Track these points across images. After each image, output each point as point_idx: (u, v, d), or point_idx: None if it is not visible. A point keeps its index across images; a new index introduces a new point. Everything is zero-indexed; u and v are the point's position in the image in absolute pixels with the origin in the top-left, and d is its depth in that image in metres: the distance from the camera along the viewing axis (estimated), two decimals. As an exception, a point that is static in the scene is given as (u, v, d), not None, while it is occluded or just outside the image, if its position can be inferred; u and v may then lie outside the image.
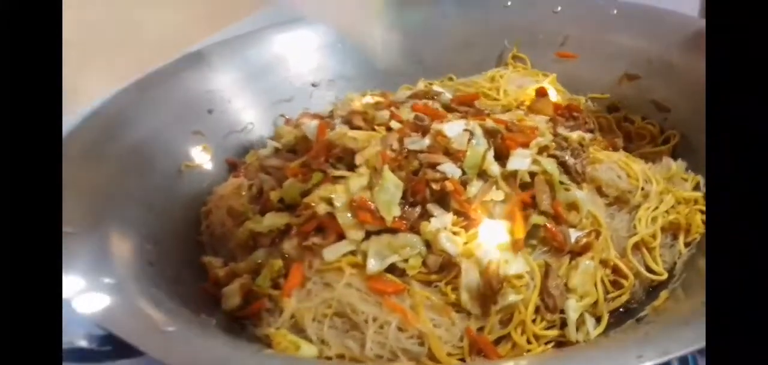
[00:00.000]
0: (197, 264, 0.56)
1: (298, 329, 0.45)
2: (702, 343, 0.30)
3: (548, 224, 0.47)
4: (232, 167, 0.68)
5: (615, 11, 0.75)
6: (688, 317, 0.38)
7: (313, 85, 0.79)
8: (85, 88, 0.68)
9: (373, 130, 0.59)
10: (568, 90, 0.72)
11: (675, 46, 0.67)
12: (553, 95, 0.69)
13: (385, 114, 0.61)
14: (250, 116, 0.74)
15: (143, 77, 0.69)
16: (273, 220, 0.52)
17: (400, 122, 0.58)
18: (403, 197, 0.49)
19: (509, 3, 0.80)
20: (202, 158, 0.67)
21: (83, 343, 0.41)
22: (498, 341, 0.44)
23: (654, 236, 0.50)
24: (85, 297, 0.38)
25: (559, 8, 0.79)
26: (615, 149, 0.60)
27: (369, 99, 0.70)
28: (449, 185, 0.49)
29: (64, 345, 0.37)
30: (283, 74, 0.77)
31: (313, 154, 0.56)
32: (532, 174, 0.51)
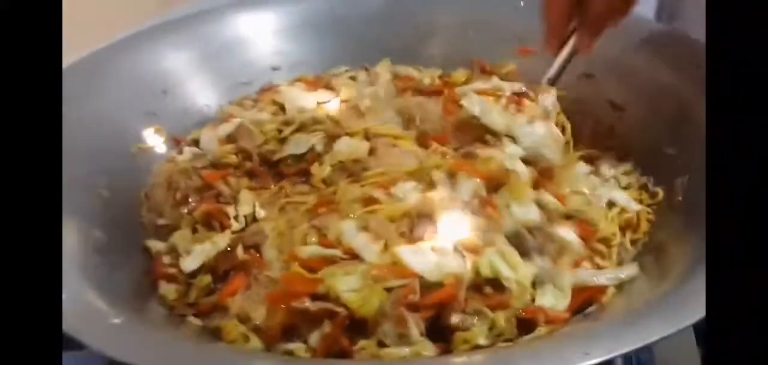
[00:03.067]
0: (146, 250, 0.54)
1: (246, 319, 0.44)
2: (646, 341, 0.31)
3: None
4: (176, 144, 0.66)
5: (575, 10, 0.76)
6: (634, 316, 0.40)
7: (274, 69, 0.77)
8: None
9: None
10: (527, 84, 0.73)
11: (631, 48, 0.69)
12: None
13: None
14: (207, 98, 0.71)
15: (92, 54, 0.66)
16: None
17: None
18: None
19: (522, 4, 0.79)
20: (155, 140, 0.65)
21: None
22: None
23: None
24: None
25: (522, 4, 0.80)
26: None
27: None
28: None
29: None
30: (242, 56, 0.75)
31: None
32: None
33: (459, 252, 0.46)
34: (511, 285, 0.44)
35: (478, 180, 0.51)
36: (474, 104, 0.59)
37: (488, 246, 0.46)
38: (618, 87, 0.68)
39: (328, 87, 0.72)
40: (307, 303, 0.43)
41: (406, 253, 0.45)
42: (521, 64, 0.75)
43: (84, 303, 0.38)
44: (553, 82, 0.62)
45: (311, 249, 0.48)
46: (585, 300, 0.45)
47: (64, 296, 0.37)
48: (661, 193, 0.54)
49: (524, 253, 0.47)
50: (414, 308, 0.43)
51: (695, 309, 0.33)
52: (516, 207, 0.49)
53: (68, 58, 0.63)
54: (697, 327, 0.36)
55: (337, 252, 0.47)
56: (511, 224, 0.48)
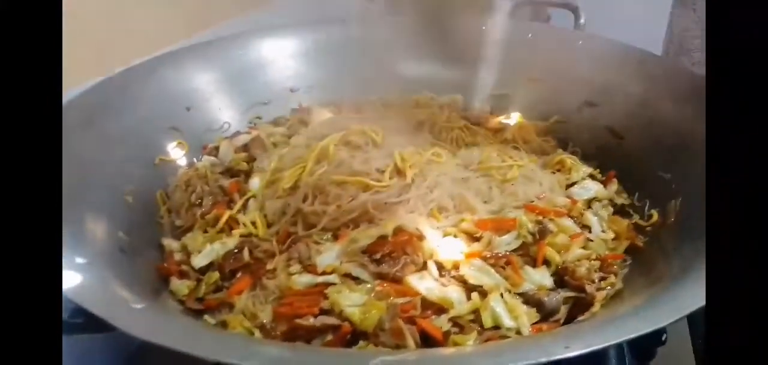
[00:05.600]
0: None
1: (252, 316, 0.48)
2: (622, 338, 0.34)
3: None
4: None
5: (580, 42, 0.79)
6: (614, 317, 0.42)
7: (292, 90, 0.82)
8: (71, 79, 0.69)
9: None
10: (536, 112, 0.76)
11: (634, 78, 0.71)
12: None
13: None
14: (227, 116, 0.76)
15: (125, 70, 0.71)
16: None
17: None
18: None
19: (530, 35, 0.83)
20: (176, 153, 0.69)
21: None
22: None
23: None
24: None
25: (530, 35, 0.84)
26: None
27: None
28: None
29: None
30: (262, 78, 0.80)
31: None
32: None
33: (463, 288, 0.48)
34: (511, 333, 0.46)
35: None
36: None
37: (493, 293, 0.47)
38: (619, 116, 0.70)
39: (358, 112, 0.75)
40: (312, 320, 0.46)
41: (414, 279, 0.48)
42: (527, 92, 0.78)
43: (109, 290, 0.42)
44: None
45: (304, 280, 0.50)
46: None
47: (91, 283, 0.41)
48: (655, 215, 0.56)
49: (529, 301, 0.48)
50: (411, 320, 0.46)
51: (670, 313, 0.36)
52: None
53: (105, 74, 0.69)
54: (692, 321, 0.38)
55: (331, 278, 0.49)
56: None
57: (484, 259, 0.50)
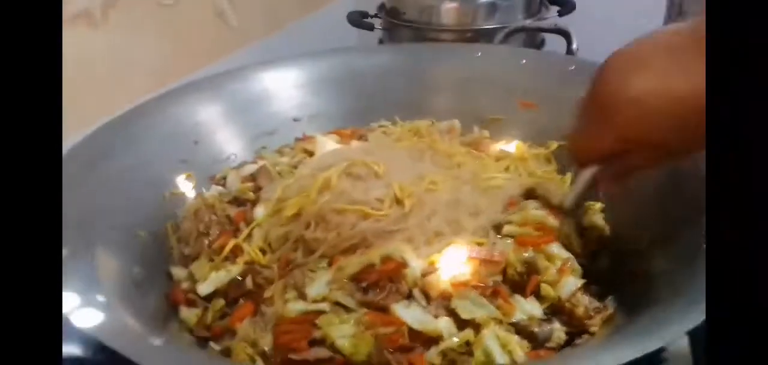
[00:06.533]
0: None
1: (253, 343, 0.50)
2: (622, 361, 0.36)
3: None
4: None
5: (573, 67, 0.82)
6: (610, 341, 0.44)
7: (295, 120, 0.84)
8: (78, 119, 0.71)
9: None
10: (528, 136, 0.78)
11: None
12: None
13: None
14: (234, 148, 0.78)
15: (134, 108, 0.73)
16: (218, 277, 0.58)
17: None
18: None
19: (524, 61, 0.85)
20: (185, 186, 0.71)
21: (79, 352, 0.45)
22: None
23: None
24: (81, 312, 0.42)
25: (524, 61, 0.86)
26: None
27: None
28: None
29: (65, 355, 0.41)
30: (266, 109, 0.82)
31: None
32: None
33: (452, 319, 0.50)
34: None
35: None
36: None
37: (487, 327, 0.48)
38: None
39: (361, 138, 0.78)
40: (305, 354, 0.48)
41: (399, 308, 0.50)
42: (522, 117, 0.80)
43: (128, 327, 0.44)
44: (570, 209, 0.59)
45: (298, 307, 0.52)
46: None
47: (111, 321, 0.43)
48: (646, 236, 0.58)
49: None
50: (401, 350, 0.47)
51: (662, 336, 0.38)
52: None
53: (114, 112, 0.71)
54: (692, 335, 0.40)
55: (322, 306, 0.51)
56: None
57: (474, 287, 0.52)
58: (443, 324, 0.49)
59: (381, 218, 0.58)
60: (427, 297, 0.52)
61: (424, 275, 0.53)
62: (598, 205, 0.63)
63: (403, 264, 0.53)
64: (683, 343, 0.51)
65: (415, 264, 0.53)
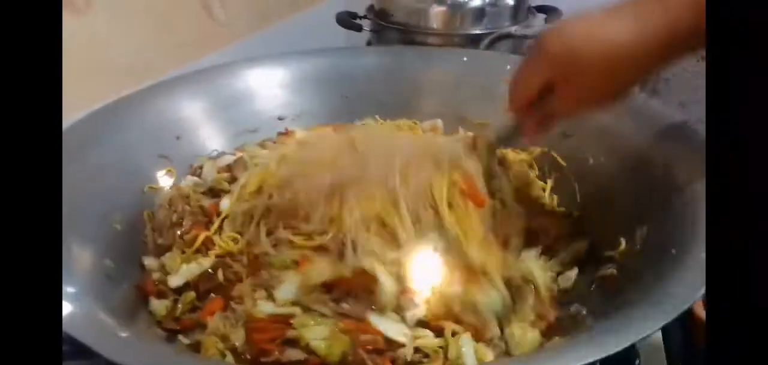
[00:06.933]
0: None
1: (224, 338, 0.50)
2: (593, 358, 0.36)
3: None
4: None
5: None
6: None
7: (280, 118, 0.84)
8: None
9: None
10: (518, 143, 0.78)
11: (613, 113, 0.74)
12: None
13: None
14: (216, 144, 0.78)
15: (116, 100, 0.73)
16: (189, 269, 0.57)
17: None
18: None
19: (509, 67, 0.85)
20: (165, 181, 0.71)
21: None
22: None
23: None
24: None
25: (509, 67, 0.86)
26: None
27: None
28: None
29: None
30: (250, 107, 0.82)
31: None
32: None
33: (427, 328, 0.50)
34: None
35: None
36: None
37: (461, 335, 0.49)
38: (594, 147, 0.73)
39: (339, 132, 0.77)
40: (279, 356, 0.48)
41: (374, 318, 0.50)
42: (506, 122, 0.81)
43: (96, 318, 0.44)
44: (496, 146, 0.65)
45: (268, 309, 0.52)
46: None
47: (79, 312, 0.43)
48: (623, 243, 0.59)
49: None
50: (376, 352, 0.48)
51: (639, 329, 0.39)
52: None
53: (95, 102, 0.71)
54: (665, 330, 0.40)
55: (293, 309, 0.51)
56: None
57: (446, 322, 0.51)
58: (419, 334, 0.50)
59: (340, 168, 0.57)
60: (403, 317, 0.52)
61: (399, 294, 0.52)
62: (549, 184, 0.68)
63: (374, 279, 0.52)
64: (656, 337, 0.52)
65: (388, 283, 0.52)
